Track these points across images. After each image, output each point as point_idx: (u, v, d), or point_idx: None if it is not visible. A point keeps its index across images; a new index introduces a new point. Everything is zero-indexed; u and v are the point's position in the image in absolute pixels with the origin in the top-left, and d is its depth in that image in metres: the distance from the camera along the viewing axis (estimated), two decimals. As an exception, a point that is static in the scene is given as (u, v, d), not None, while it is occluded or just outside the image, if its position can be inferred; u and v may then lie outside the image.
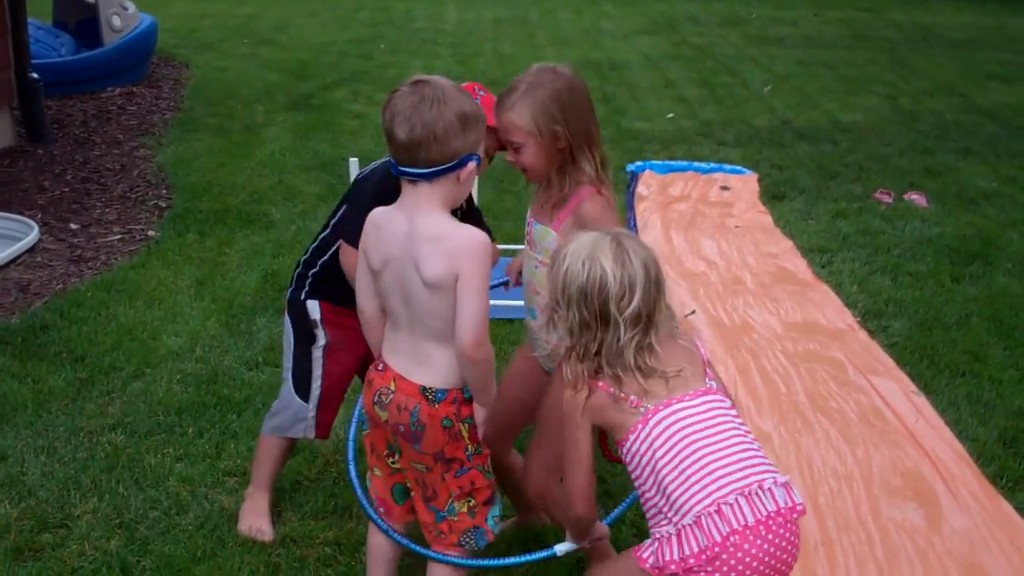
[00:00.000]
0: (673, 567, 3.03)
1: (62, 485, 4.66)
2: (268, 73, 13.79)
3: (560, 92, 3.63)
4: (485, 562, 3.65)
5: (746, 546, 2.96)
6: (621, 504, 3.73)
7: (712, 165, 10.04)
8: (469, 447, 3.48)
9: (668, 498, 3.05)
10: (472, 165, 3.29)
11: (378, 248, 3.38)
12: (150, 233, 7.87)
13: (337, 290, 4.12)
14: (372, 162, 4.20)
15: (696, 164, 10.05)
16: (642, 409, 3.09)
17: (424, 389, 3.39)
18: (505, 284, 4.42)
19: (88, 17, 12.59)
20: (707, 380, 3.20)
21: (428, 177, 3.25)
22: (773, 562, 3.01)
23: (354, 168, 5.91)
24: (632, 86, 13.97)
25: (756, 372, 5.91)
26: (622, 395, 3.10)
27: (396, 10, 20.29)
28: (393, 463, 3.61)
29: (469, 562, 3.63)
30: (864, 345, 6.29)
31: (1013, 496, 4.82)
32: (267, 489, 4.49)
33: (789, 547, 3.05)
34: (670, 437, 3.06)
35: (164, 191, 8.88)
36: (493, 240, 3.60)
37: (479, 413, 3.49)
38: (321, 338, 4.27)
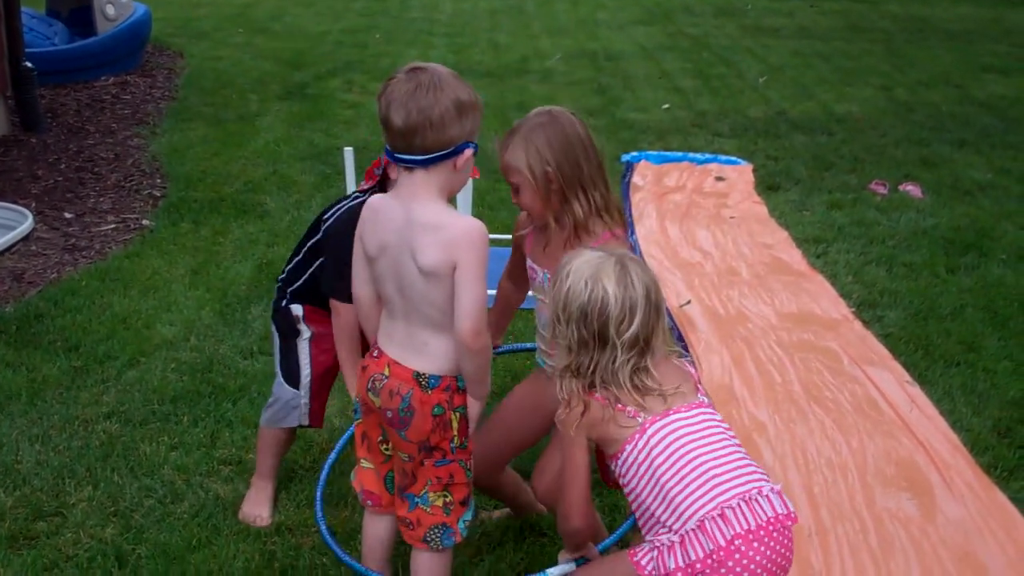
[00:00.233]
0: (680, 574, 3.04)
1: (57, 473, 4.66)
2: (263, 62, 13.76)
3: (553, 135, 3.69)
4: None
5: (749, 551, 2.98)
6: (616, 530, 3.70)
7: (707, 156, 10.02)
8: (456, 439, 3.47)
9: (669, 505, 3.06)
10: (468, 152, 3.29)
11: (375, 235, 3.37)
12: (144, 222, 7.87)
13: (317, 299, 4.21)
14: (335, 203, 4.23)
15: (691, 155, 10.03)
16: (639, 420, 3.11)
17: (418, 375, 3.38)
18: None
19: (82, 6, 12.55)
20: (699, 395, 3.24)
21: (424, 164, 3.24)
22: (773, 568, 3.03)
23: (349, 158, 5.91)
24: (627, 76, 13.95)
25: (751, 362, 5.91)
26: (619, 406, 3.12)
27: None
28: (386, 450, 3.60)
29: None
30: (859, 335, 6.29)
31: (1007, 486, 4.83)
32: (270, 479, 4.52)
33: (787, 553, 3.07)
34: (669, 445, 3.08)
35: (158, 180, 8.87)
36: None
37: (473, 407, 3.49)
38: (305, 332, 4.33)
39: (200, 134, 10.32)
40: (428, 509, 3.52)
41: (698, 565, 3.00)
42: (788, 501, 3.10)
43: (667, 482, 3.06)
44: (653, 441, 3.09)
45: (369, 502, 3.73)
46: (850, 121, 11.80)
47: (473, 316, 3.25)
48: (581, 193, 3.70)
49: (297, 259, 4.36)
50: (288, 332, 4.36)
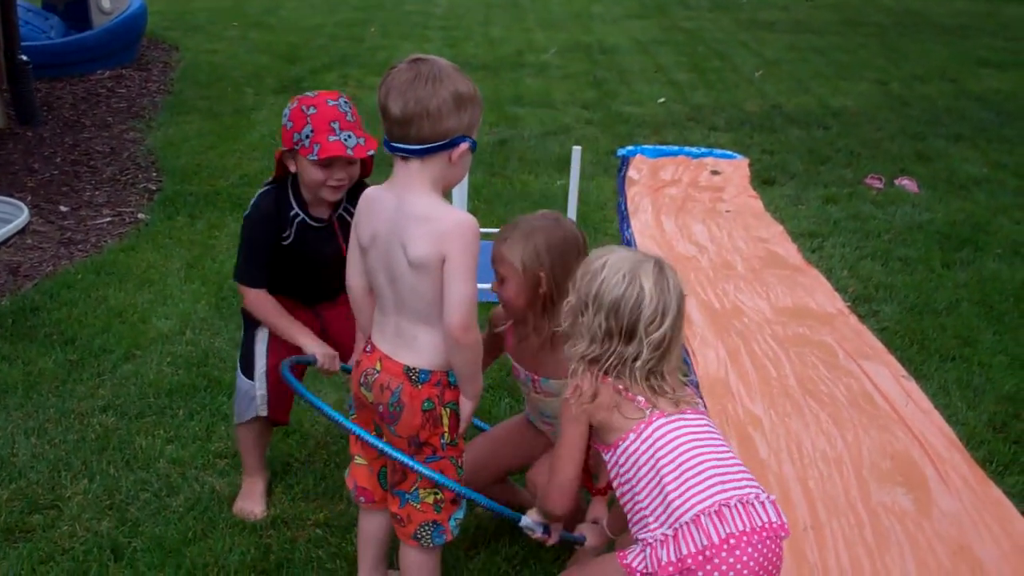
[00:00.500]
0: (671, 569, 3.03)
1: (53, 466, 4.65)
2: (258, 56, 13.75)
3: (554, 240, 3.72)
4: (454, 485, 3.43)
5: (739, 553, 2.98)
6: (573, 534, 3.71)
7: (703, 150, 10.04)
8: (446, 435, 3.45)
9: (666, 499, 3.06)
10: (464, 146, 3.26)
11: (368, 224, 3.36)
12: (140, 216, 7.86)
13: (272, 286, 4.19)
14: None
15: (687, 148, 10.05)
16: (647, 412, 3.13)
17: (408, 369, 3.37)
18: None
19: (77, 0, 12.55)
20: (700, 407, 3.27)
21: (419, 154, 3.22)
22: (762, 572, 3.03)
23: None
24: (622, 70, 13.96)
25: (746, 356, 5.92)
26: (629, 395, 3.14)
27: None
28: (380, 444, 3.60)
29: (449, 482, 3.43)
30: (854, 330, 6.30)
31: (1003, 480, 4.83)
32: (259, 474, 4.50)
33: (776, 561, 3.08)
34: (673, 440, 3.10)
35: (154, 174, 8.86)
36: None
37: (465, 406, 3.47)
38: None
39: (196, 128, 10.31)
40: (418, 506, 3.51)
41: (689, 560, 3.00)
42: (782, 513, 3.11)
43: (666, 475, 3.06)
44: (658, 434, 3.10)
45: (362, 499, 3.73)
46: (846, 115, 11.81)
47: (462, 310, 3.23)
48: None
49: None
50: (249, 322, 4.32)
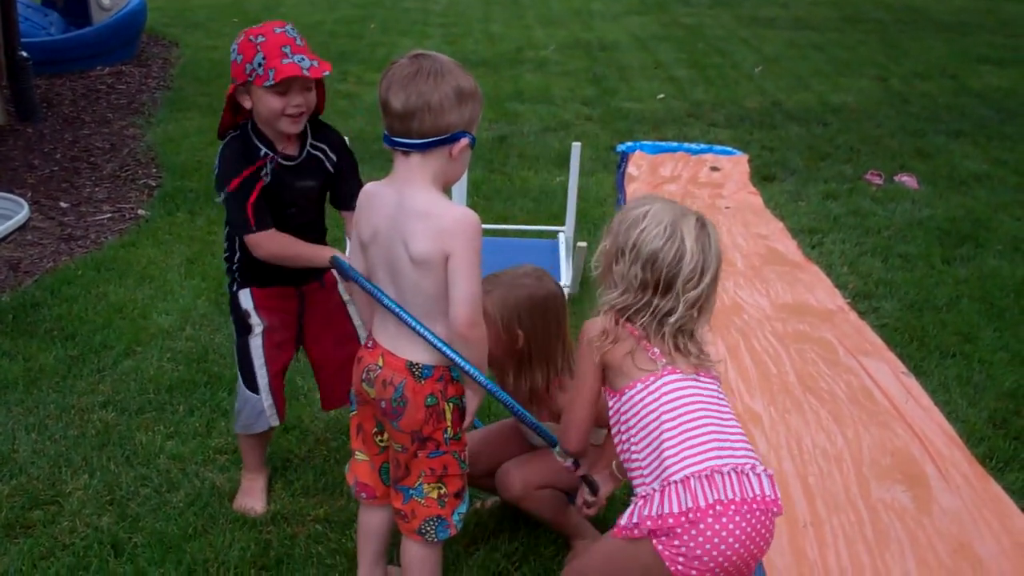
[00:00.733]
0: (650, 523, 3.03)
1: (53, 462, 4.66)
2: (258, 52, 13.71)
3: (536, 300, 3.78)
4: (484, 380, 3.36)
5: (726, 521, 2.98)
6: None
7: (702, 146, 10.03)
8: (449, 430, 3.45)
9: (660, 455, 3.06)
10: (465, 141, 3.27)
11: (368, 220, 3.37)
12: (140, 212, 7.86)
13: (264, 274, 4.15)
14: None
15: (686, 145, 10.05)
16: (660, 363, 3.12)
17: (411, 364, 3.37)
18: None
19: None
20: (715, 372, 3.26)
21: (420, 148, 3.23)
22: (750, 544, 3.02)
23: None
24: (622, 67, 13.95)
25: (746, 353, 5.92)
26: (646, 343, 3.13)
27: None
28: (381, 442, 3.60)
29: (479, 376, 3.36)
30: (854, 326, 6.30)
31: (1003, 477, 4.83)
32: (259, 471, 4.51)
33: (766, 535, 3.07)
34: (679, 398, 3.09)
35: (154, 170, 8.86)
36: None
37: (471, 400, 3.47)
38: (257, 326, 4.23)
39: (195, 124, 10.30)
40: (423, 501, 3.51)
41: (671, 519, 3.00)
42: (777, 489, 3.10)
43: (666, 431, 3.07)
44: (666, 390, 3.10)
45: (363, 494, 3.73)
46: (846, 112, 11.80)
47: (468, 306, 3.23)
48: (544, 366, 3.83)
49: (227, 229, 4.23)
50: (240, 327, 4.28)
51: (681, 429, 3.06)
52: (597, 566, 3.30)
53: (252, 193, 3.96)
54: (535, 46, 15.26)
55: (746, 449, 3.12)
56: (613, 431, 3.27)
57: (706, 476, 3.00)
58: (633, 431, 3.15)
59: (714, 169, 9.38)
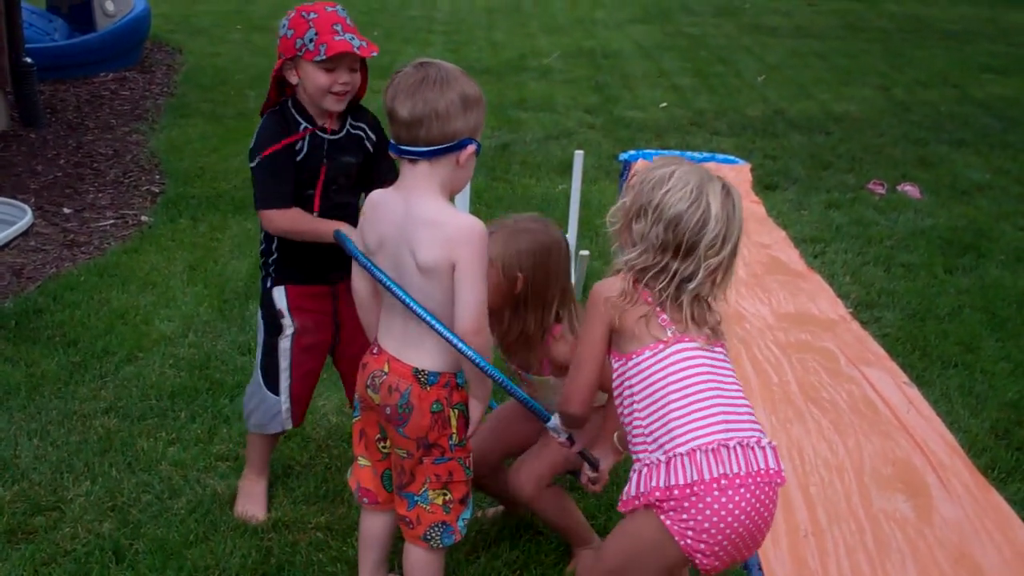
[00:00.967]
0: (658, 494, 3.03)
1: (55, 468, 4.66)
2: (261, 59, 13.71)
3: (539, 246, 3.77)
4: (485, 365, 3.32)
5: (731, 493, 2.99)
6: None
7: (705, 154, 10.03)
8: (454, 436, 3.46)
9: (667, 424, 3.06)
10: (471, 148, 3.29)
11: (374, 228, 3.37)
12: (143, 218, 7.87)
13: (299, 271, 4.16)
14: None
15: (689, 153, 10.04)
16: (669, 332, 3.10)
17: (417, 371, 3.38)
18: None
19: (82, 2, 12.55)
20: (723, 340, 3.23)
21: (428, 156, 3.25)
22: (755, 517, 3.04)
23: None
24: (625, 75, 13.96)
25: (748, 362, 5.92)
26: (659, 310, 3.11)
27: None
28: (384, 448, 3.60)
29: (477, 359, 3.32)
30: (856, 336, 6.30)
31: (1004, 487, 4.83)
32: (261, 473, 4.51)
33: (770, 507, 3.08)
34: (688, 368, 3.08)
35: (157, 176, 8.87)
36: None
37: (475, 408, 3.48)
38: (288, 327, 4.23)
39: (199, 130, 10.32)
40: (428, 507, 3.52)
41: (676, 491, 3.00)
42: (780, 460, 3.11)
43: (673, 401, 3.06)
44: (675, 358, 3.08)
45: (365, 500, 3.73)
46: (848, 121, 11.81)
47: (473, 314, 3.25)
48: (538, 311, 3.80)
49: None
50: (271, 326, 4.28)
51: (688, 400, 3.06)
52: (611, 549, 3.28)
53: (282, 168, 4.01)
54: (538, 54, 15.28)
55: (751, 422, 3.13)
56: (616, 396, 3.25)
57: (712, 450, 3.00)
58: (638, 398, 3.13)
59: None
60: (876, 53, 16.08)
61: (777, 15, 19.71)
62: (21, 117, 10.10)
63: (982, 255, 7.69)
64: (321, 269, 4.14)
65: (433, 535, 3.54)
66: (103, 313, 6.15)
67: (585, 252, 6.39)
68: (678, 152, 10.04)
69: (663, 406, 3.07)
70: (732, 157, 10.00)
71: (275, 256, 4.21)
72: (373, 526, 3.78)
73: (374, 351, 3.52)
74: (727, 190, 3.14)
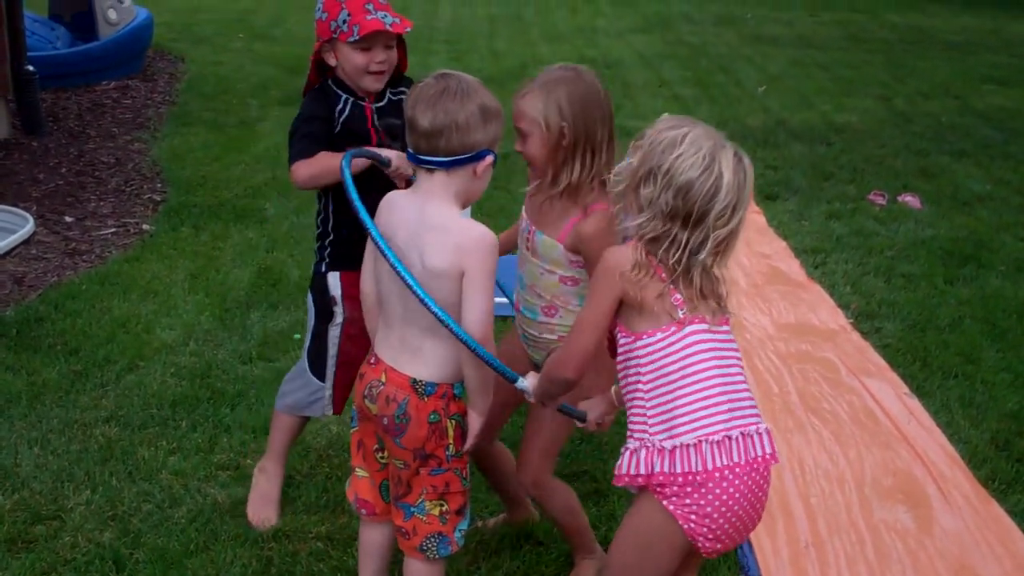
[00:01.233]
0: (661, 479, 3.04)
1: (56, 477, 4.66)
2: (263, 68, 13.74)
3: (575, 92, 3.66)
4: (462, 334, 3.24)
5: (732, 478, 3.02)
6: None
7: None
8: (451, 447, 3.46)
9: (672, 410, 3.05)
10: (489, 159, 3.35)
11: (387, 228, 3.38)
12: (144, 227, 7.88)
13: (353, 256, 4.03)
14: None
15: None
16: (681, 312, 3.05)
17: (415, 381, 3.40)
18: None
19: (84, 10, 12.56)
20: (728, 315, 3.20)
21: (446, 166, 3.29)
22: (753, 500, 3.09)
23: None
24: (626, 84, 13.96)
25: (748, 372, 5.89)
26: (672, 288, 3.05)
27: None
28: (382, 458, 3.60)
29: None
30: (857, 346, 6.30)
31: (1005, 499, 4.83)
32: (280, 462, 4.52)
33: (765, 487, 3.12)
34: (697, 353, 3.05)
35: (159, 185, 8.88)
36: None
37: (474, 421, 3.48)
38: (339, 315, 4.25)
39: (200, 139, 10.33)
40: (424, 518, 3.52)
41: (679, 479, 3.02)
42: (774, 442, 3.13)
43: (681, 387, 3.05)
44: (689, 341, 3.05)
45: (363, 511, 3.73)
46: (849, 131, 11.81)
47: (479, 324, 3.26)
48: (587, 156, 3.67)
49: (319, 210, 4.31)
50: (321, 313, 4.29)
51: (697, 388, 3.04)
52: (621, 546, 3.25)
53: (317, 132, 4.08)
54: (539, 63, 15.24)
55: (751, 407, 3.14)
56: (619, 367, 3.20)
57: (717, 441, 3.02)
58: (644, 377, 3.10)
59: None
60: (878, 64, 16.08)
61: (778, 25, 19.71)
62: (23, 125, 10.11)
63: (983, 266, 7.69)
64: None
65: (429, 546, 3.54)
66: (104, 322, 6.16)
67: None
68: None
69: (669, 391, 3.06)
70: (733, 167, 9.98)
71: (331, 238, 4.24)
72: (373, 537, 3.78)
73: (372, 361, 3.52)
74: (739, 157, 3.05)
